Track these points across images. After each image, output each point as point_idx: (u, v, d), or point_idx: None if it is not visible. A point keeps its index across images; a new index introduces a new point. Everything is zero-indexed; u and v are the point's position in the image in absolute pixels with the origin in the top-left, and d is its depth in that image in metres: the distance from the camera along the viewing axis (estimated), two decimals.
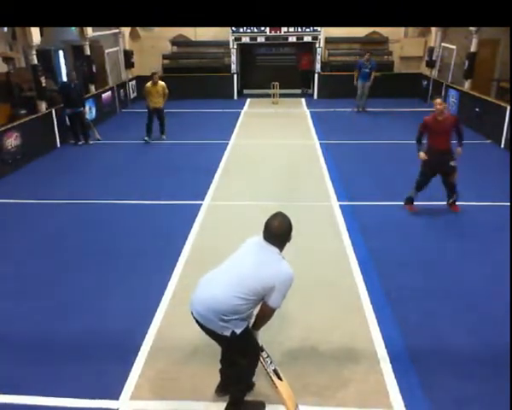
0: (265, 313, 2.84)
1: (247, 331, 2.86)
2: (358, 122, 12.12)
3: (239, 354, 2.93)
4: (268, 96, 14.99)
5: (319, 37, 14.92)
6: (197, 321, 2.86)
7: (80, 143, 10.29)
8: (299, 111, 13.65)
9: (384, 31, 15.41)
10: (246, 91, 16.61)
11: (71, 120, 10.18)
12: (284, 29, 14.92)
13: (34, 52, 9.36)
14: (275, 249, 2.79)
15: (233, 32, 14.98)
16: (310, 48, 15.36)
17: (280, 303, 2.78)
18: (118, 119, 13.19)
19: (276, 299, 2.74)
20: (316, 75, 15.32)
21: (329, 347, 3.78)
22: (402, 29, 15.43)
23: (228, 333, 2.75)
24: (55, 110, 9.98)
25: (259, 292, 2.74)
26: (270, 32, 14.97)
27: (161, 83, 9.89)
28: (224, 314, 2.71)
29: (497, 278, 4.71)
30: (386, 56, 15.54)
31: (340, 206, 6.61)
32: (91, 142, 10.34)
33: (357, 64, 12.71)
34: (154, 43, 15.66)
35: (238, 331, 2.76)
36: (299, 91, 16.13)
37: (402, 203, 6.48)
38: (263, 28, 14.84)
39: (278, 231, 2.79)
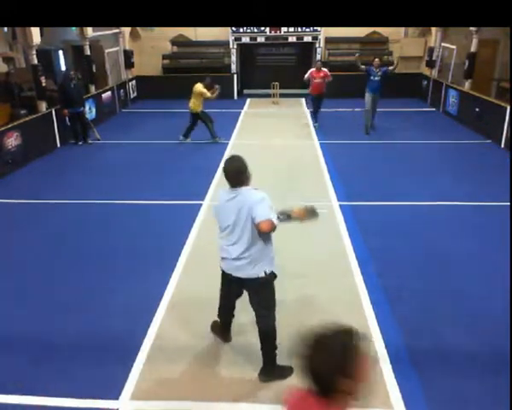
0: (264, 229, 2.97)
1: (272, 281, 3.23)
2: (358, 122, 12.10)
3: (263, 306, 3.27)
4: (268, 96, 15.00)
5: (319, 37, 14.93)
6: (237, 280, 3.26)
7: (80, 143, 10.30)
8: (300, 111, 13.65)
9: (384, 31, 15.40)
10: (246, 91, 16.60)
11: (71, 120, 10.18)
12: (284, 29, 14.93)
13: (34, 52, 9.36)
14: (243, 187, 3.12)
15: (233, 32, 14.99)
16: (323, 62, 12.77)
17: (267, 213, 2.96)
18: (118, 119, 13.17)
19: (260, 212, 2.95)
20: None
21: None
22: (402, 29, 15.42)
23: (262, 274, 3.14)
24: (55, 110, 9.99)
25: (251, 227, 3.03)
26: (270, 32, 14.98)
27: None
28: (248, 259, 3.11)
29: (497, 278, 4.71)
30: (386, 56, 15.54)
31: (340, 206, 6.62)
32: (91, 142, 10.33)
33: (368, 70, 10.28)
34: (154, 44, 15.65)
35: (269, 270, 3.16)
36: (299, 91, 16.11)
37: (402, 203, 6.46)
38: (263, 28, 14.85)
39: (234, 173, 3.12)
